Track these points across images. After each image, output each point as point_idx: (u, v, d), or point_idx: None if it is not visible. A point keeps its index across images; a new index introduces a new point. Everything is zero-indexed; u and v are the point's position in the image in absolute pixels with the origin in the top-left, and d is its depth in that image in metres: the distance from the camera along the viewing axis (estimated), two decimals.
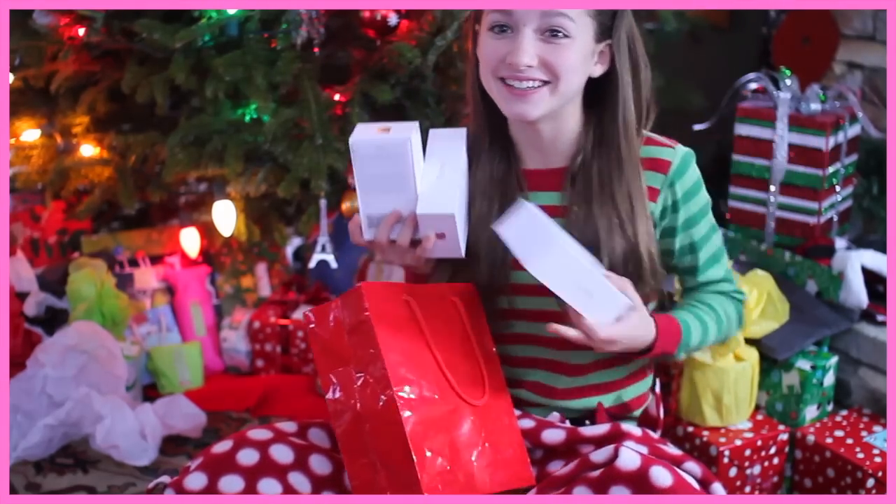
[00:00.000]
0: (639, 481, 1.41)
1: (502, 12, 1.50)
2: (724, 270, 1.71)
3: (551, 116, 1.56)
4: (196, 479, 1.47)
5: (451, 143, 1.59)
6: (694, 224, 1.64)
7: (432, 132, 1.60)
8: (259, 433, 1.53)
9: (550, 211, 1.54)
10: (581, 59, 1.52)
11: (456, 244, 1.53)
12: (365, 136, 1.48)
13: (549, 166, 1.61)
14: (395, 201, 1.51)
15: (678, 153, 1.61)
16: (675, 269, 1.70)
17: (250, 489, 1.46)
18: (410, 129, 1.49)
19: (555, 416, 1.65)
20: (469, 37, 1.60)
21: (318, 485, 1.50)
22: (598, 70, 1.56)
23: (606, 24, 1.54)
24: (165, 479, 1.53)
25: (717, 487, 1.53)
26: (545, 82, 1.51)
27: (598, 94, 1.58)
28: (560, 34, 1.49)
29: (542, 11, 1.48)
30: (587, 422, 1.66)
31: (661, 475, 1.42)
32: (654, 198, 1.59)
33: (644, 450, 1.52)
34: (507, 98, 1.53)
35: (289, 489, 1.47)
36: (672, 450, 1.56)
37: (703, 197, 1.64)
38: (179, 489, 1.47)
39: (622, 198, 1.56)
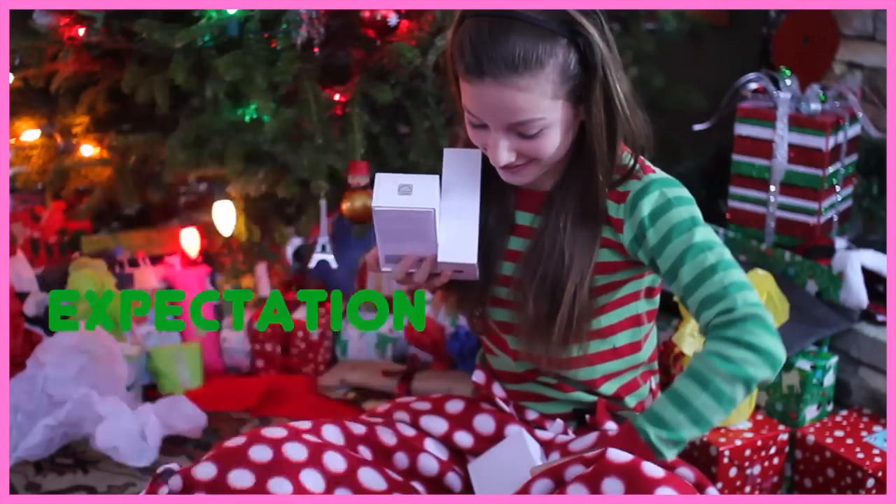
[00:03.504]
0: (631, 472, 1.39)
1: (473, 114, 1.47)
2: (715, 287, 1.46)
3: None
4: (205, 469, 1.47)
5: (468, 170, 1.57)
6: (668, 242, 1.48)
7: (447, 153, 1.58)
8: (273, 431, 1.53)
9: (525, 231, 1.57)
10: (562, 134, 1.48)
11: (473, 276, 1.56)
12: (387, 201, 1.47)
13: (541, 188, 1.59)
14: (415, 247, 1.52)
15: (642, 182, 1.51)
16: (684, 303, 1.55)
17: (260, 486, 1.45)
18: (433, 195, 1.49)
19: (559, 425, 1.66)
20: (451, 77, 1.53)
21: (332, 482, 1.50)
22: (583, 116, 1.50)
23: (579, 84, 1.45)
24: (174, 466, 1.53)
25: (712, 492, 1.53)
26: (530, 161, 1.50)
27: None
28: (539, 130, 1.45)
29: (511, 122, 1.44)
30: (587, 416, 1.68)
31: (652, 467, 1.41)
32: (620, 228, 1.52)
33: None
34: (498, 170, 1.53)
35: (300, 488, 1.46)
36: None
37: (681, 213, 1.49)
38: (187, 476, 1.47)
39: (572, 232, 1.53)
